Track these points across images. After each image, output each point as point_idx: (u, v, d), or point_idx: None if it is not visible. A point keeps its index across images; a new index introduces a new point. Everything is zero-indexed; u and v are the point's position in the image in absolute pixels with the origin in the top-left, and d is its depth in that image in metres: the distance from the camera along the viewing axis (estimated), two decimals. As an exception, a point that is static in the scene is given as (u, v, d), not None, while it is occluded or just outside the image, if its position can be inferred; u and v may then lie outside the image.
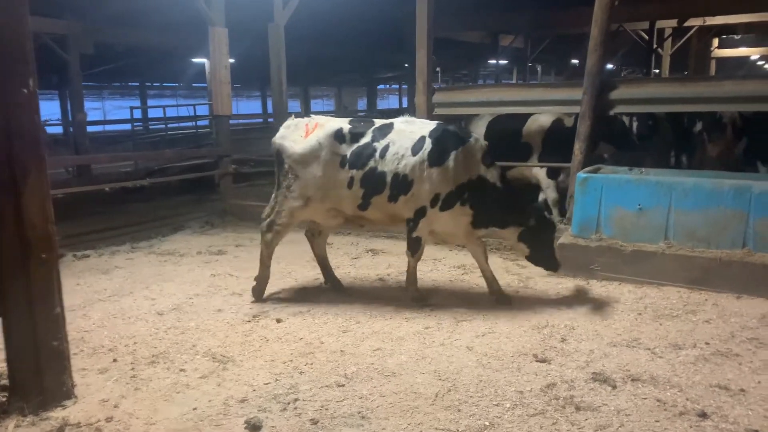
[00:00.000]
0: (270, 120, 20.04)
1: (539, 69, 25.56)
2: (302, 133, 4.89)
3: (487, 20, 13.09)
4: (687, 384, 3.46)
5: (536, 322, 4.47)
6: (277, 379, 3.66)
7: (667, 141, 8.48)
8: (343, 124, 4.92)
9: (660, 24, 15.21)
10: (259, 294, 5.09)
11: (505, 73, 22.99)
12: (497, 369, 3.73)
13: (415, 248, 4.88)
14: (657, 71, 16.93)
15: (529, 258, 4.96)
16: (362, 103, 30.19)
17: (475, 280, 5.49)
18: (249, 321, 4.63)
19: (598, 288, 5.23)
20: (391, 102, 32.58)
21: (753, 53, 29.16)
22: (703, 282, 4.99)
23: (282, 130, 5.03)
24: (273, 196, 5.09)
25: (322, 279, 5.56)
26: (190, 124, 20.88)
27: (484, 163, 4.74)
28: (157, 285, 5.57)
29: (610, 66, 22.28)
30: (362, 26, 12.01)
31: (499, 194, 4.76)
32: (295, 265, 6.12)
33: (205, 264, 6.29)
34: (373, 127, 4.86)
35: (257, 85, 27.25)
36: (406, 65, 16.15)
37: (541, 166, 7.38)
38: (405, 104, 28.21)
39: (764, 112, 6.52)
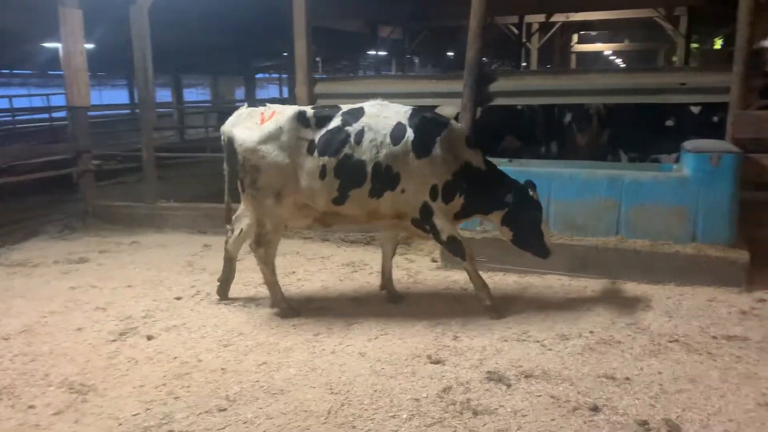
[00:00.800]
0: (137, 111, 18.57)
1: (416, 61, 25.93)
2: (257, 120, 4.35)
3: (367, 10, 12.91)
4: (577, 376, 3.47)
5: (428, 320, 4.33)
6: (147, 409, 3.21)
7: (541, 132, 8.79)
8: (305, 108, 4.46)
9: (528, 18, 15.87)
10: (286, 309, 4.48)
11: (384, 65, 23.06)
12: (392, 375, 3.53)
13: (459, 250, 4.38)
14: (525, 65, 17.71)
15: (515, 242, 4.52)
16: (240, 93, 29.05)
17: (366, 278, 5.28)
18: (114, 340, 4.08)
19: (485, 279, 5.19)
20: (271, 92, 31.62)
21: (606, 48, 31.60)
22: (582, 269, 5.13)
23: (233, 118, 4.47)
24: (225, 196, 4.57)
25: (198, 287, 5.08)
26: (45, 116, 18.84)
27: (468, 146, 4.37)
28: (2, 303, 4.80)
29: (483, 59, 23.06)
30: (238, 12, 11.35)
31: (485, 178, 4.39)
32: (167, 272, 5.56)
33: (63, 275, 5.54)
34: (341, 111, 4.38)
35: (124, 74, 25.25)
36: (285, 54, 15.63)
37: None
38: (286, 94, 27.49)
39: (625, 103, 6.88)
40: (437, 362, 3.67)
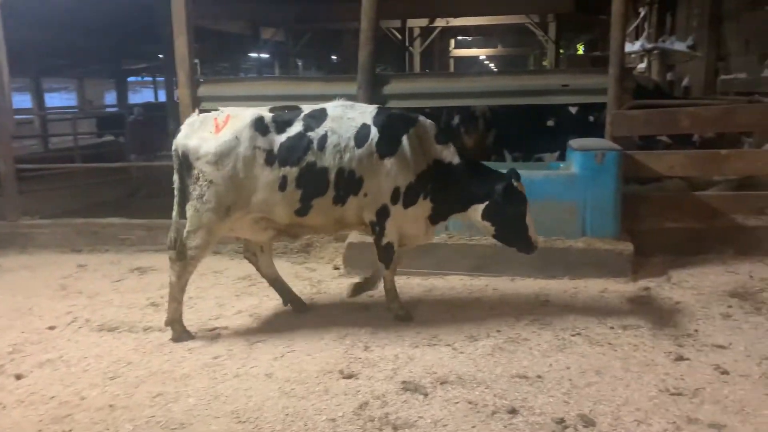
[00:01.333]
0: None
1: (300, 64, 25.58)
2: (211, 129, 3.96)
3: (249, 11, 12.44)
4: (491, 378, 3.44)
5: (337, 331, 4.14)
6: (20, 463, 2.75)
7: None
8: (263, 112, 4.06)
9: (411, 23, 16.13)
10: (179, 332, 4.08)
11: (267, 67, 22.49)
12: (303, 396, 3.30)
13: (388, 258, 4.20)
14: (409, 69, 18.01)
15: (497, 237, 4.25)
16: (111, 97, 27.07)
17: (265, 292, 4.98)
18: (-26, 384, 3.51)
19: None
20: (145, 96, 29.77)
21: (481, 53, 33.07)
22: (482, 268, 5.18)
23: (184, 129, 4.05)
24: (174, 213, 4.07)
25: (75, 313, 4.54)
26: None
27: (438, 143, 4.16)
28: None
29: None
30: (106, 8, 10.46)
31: (460, 173, 4.15)
32: (37, 298, 4.93)
33: None
34: (303, 114, 4.07)
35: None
36: (161, 56, 14.71)
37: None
38: (162, 98, 25.98)
39: (509, 105, 7.12)
40: (350, 376, 3.50)
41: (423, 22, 15.79)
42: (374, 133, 4.03)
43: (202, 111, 4.25)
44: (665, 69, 13.50)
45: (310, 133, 3.98)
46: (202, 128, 4.00)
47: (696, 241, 5.46)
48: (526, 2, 12.10)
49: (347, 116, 4.08)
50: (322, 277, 5.35)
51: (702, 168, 5.85)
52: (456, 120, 8.86)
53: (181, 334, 4.09)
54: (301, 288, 5.01)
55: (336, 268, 5.52)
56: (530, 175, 5.22)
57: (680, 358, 3.58)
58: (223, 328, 4.28)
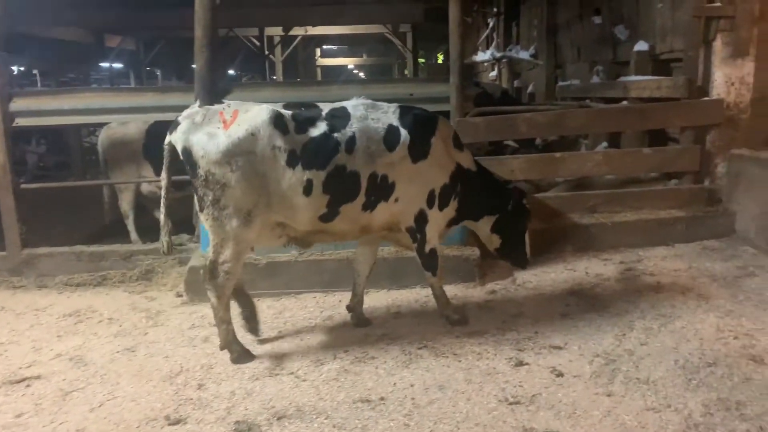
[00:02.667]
0: None
1: (159, 74, 24.14)
2: (218, 125, 3.45)
3: (84, 17, 11.38)
4: (332, 407, 3.22)
5: (169, 369, 3.72)
6: None
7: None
8: (278, 108, 3.61)
9: (270, 31, 15.72)
10: (240, 353, 3.75)
11: (122, 78, 20.95)
12: (118, 453, 2.88)
13: (433, 264, 4.04)
14: (274, 77, 17.58)
15: (500, 251, 4.27)
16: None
17: (93, 329, 4.42)
18: None
19: (237, 309, 4.72)
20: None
21: (347, 62, 33.31)
22: (335, 284, 4.98)
23: (184, 123, 3.50)
24: (162, 216, 3.61)
25: None
26: None
27: (456, 146, 3.99)
28: None
29: (231, 72, 22.41)
30: None
31: (477, 181, 4.06)
32: None
33: None
34: (324, 113, 3.67)
35: None
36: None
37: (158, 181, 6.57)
38: None
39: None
40: (177, 422, 3.12)
41: (281, 30, 15.45)
42: (404, 135, 3.77)
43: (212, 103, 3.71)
44: (513, 76, 14.26)
45: (336, 135, 3.62)
46: (207, 123, 3.50)
47: (539, 241, 5.63)
48: (379, 13, 12.17)
49: (371, 117, 3.78)
50: (162, 306, 4.86)
51: (540, 171, 6.08)
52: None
53: (240, 354, 3.75)
54: (135, 321, 4.51)
55: (179, 296, 5.05)
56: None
57: (520, 364, 3.58)
58: (35, 377, 3.69)
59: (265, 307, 4.73)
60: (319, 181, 3.58)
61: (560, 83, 10.60)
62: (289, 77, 20.12)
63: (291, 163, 3.53)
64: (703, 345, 3.67)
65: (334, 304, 4.73)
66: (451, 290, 4.88)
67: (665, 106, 6.12)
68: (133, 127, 6.72)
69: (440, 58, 26.36)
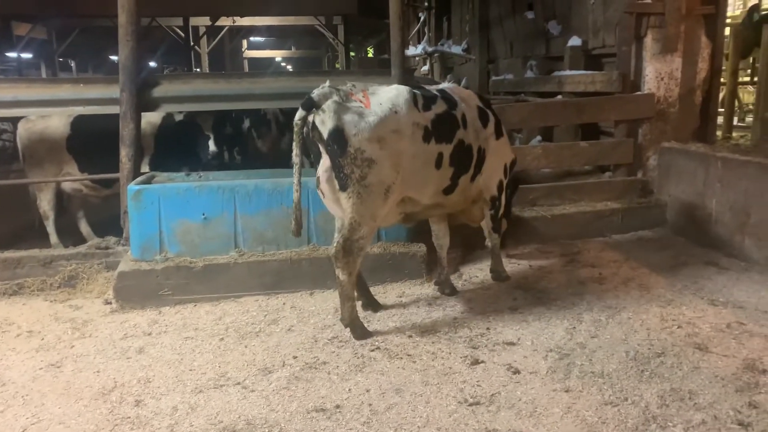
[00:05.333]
0: None
1: (73, 65, 22.73)
2: (358, 104, 3.60)
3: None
4: (285, 418, 3.03)
5: (101, 386, 3.41)
6: None
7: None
8: (404, 87, 3.87)
9: (195, 21, 15.07)
10: (359, 329, 3.92)
11: (31, 69, 19.55)
12: (47, 485, 2.58)
13: (499, 230, 4.79)
14: (198, 69, 16.90)
15: (502, 215, 4.79)
16: None
17: (12, 343, 4.00)
18: None
19: (172, 316, 4.44)
20: None
21: (275, 55, 32.62)
22: (278, 285, 4.76)
23: (331, 104, 3.54)
24: (296, 194, 3.74)
25: None
26: None
27: None
28: None
29: (153, 64, 21.39)
30: None
31: None
32: None
33: None
34: (438, 93, 4.04)
35: None
36: None
37: (82, 179, 6.11)
38: None
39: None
40: (113, 446, 2.84)
41: (207, 20, 14.83)
42: (491, 115, 4.37)
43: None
44: (445, 71, 14.35)
45: (454, 112, 4.02)
46: (348, 102, 3.62)
47: (481, 236, 5.62)
48: (310, 3, 11.89)
49: (462, 96, 4.24)
50: (89, 316, 4.48)
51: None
52: (246, 124, 8.34)
53: (362, 331, 3.91)
54: (59, 333, 4.14)
55: (107, 303, 4.68)
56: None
57: (476, 362, 3.52)
58: (-58, 402, 3.29)
59: (203, 313, 4.46)
60: (447, 153, 3.95)
61: (494, 78, 10.73)
62: (215, 69, 19.41)
63: (427, 138, 3.83)
64: (650, 335, 3.75)
65: (279, 307, 4.52)
66: (399, 287, 4.80)
67: (601, 100, 6.27)
68: (56, 120, 6.19)
69: (370, 52, 26.24)
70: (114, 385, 3.42)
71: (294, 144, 3.65)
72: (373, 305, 4.40)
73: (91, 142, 6.05)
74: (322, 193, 3.91)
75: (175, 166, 5.99)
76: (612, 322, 3.98)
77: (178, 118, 6.78)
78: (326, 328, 4.10)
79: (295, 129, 3.62)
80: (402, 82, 5.62)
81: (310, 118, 3.62)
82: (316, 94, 3.62)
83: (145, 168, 6.10)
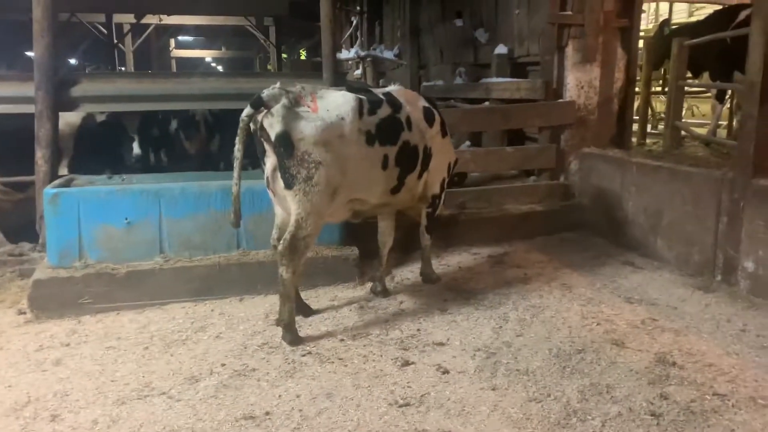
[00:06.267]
0: None
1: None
2: (305, 108, 3.71)
3: None
4: (212, 427, 2.96)
5: (13, 401, 3.20)
6: None
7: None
8: (352, 94, 3.96)
9: (119, 18, 14.46)
10: (293, 333, 3.92)
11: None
12: None
13: (434, 230, 4.84)
14: (123, 68, 16.24)
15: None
16: None
17: None
18: None
19: (93, 325, 4.23)
20: None
21: (204, 55, 31.83)
22: (207, 291, 4.64)
23: (280, 108, 3.65)
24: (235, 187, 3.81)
25: None
26: None
27: None
28: None
29: (73, 61, 20.37)
30: None
31: None
32: None
33: None
34: (382, 96, 4.15)
35: None
36: None
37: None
38: None
39: (230, 108, 6.65)
40: (26, 465, 2.68)
41: (132, 17, 14.27)
42: (436, 114, 4.49)
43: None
44: (378, 75, 14.44)
45: (398, 115, 4.14)
46: (296, 106, 3.70)
47: (412, 239, 5.68)
48: (240, 3, 11.68)
49: (409, 97, 4.37)
50: (0, 327, 4.20)
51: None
52: (174, 125, 8.10)
53: (295, 337, 3.90)
54: (-35, 348, 3.85)
55: (21, 313, 4.40)
56: (252, 185, 4.87)
57: (406, 363, 3.56)
58: None
59: (126, 322, 4.29)
60: (393, 155, 4.08)
61: (424, 83, 10.90)
62: (141, 69, 18.68)
63: (370, 141, 3.96)
64: (572, 333, 3.91)
65: (207, 314, 4.40)
66: (331, 291, 4.79)
67: (525, 106, 6.49)
68: (72, 115, 5.82)
69: (303, 54, 26.03)
70: (28, 399, 3.22)
71: (237, 139, 3.71)
72: (304, 310, 4.36)
73: (3, 143, 5.70)
74: (273, 193, 3.96)
75: (97, 168, 5.74)
76: (536, 321, 4.12)
77: (101, 118, 6.50)
78: (256, 335, 4.03)
79: (241, 125, 3.68)
80: (333, 85, 5.64)
81: (259, 117, 3.70)
82: (266, 94, 3.69)
83: (64, 171, 5.81)
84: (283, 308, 3.94)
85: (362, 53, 14.14)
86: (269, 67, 20.09)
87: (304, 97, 3.77)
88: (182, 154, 7.90)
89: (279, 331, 4.07)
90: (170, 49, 24.69)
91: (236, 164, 3.77)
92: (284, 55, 23.08)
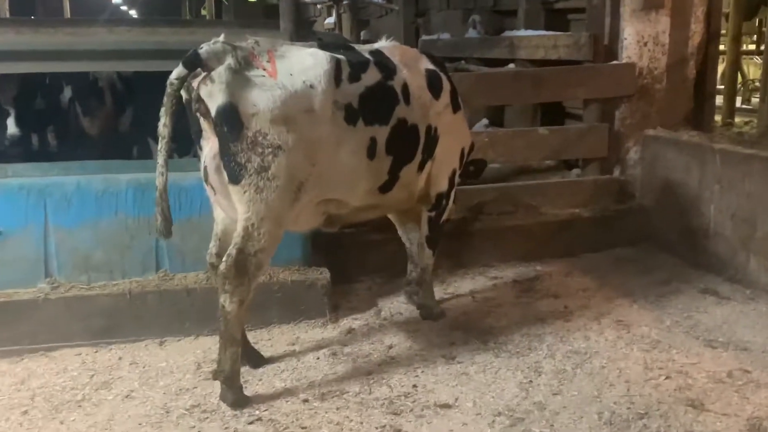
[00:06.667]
0: None
1: None
2: (260, 72, 3.66)
3: None
4: None
5: None
6: None
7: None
8: (326, 52, 3.88)
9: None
10: (237, 391, 3.90)
11: None
12: None
13: (437, 243, 4.89)
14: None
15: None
16: None
17: None
18: None
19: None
20: None
21: (115, -5, 31.81)
22: (112, 331, 4.65)
23: (224, 71, 3.58)
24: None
25: None
26: None
27: None
28: None
29: None
30: None
31: None
32: None
33: None
34: (372, 57, 4.13)
35: None
36: None
37: None
38: None
39: (151, 71, 6.63)
40: None
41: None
42: (445, 81, 4.50)
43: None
44: (358, 25, 14.49)
45: (390, 82, 4.11)
46: (247, 69, 3.63)
47: (404, 257, 5.69)
48: None
49: (407, 56, 4.40)
50: None
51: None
52: (68, 94, 8.08)
53: (239, 396, 3.89)
54: None
55: None
56: (180, 179, 4.86)
57: (398, 434, 3.57)
58: None
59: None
60: (382, 139, 4.08)
61: (423, 37, 10.96)
62: (19, 14, 18.63)
63: (351, 119, 3.93)
64: (630, 389, 3.94)
65: (113, 364, 4.41)
66: (291, 331, 4.83)
67: (565, 70, 6.56)
68: None
69: (253, -5, 26.11)
70: None
71: (163, 111, 3.64)
72: (252, 358, 4.36)
73: None
74: (212, 189, 3.93)
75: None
76: (580, 373, 4.15)
77: None
78: (183, 393, 4.04)
79: (169, 89, 3.62)
80: (296, 39, 5.65)
81: (194, 84, 3.66)
82: (205, 50, 3.64)
83: None
84: (224, 355, 3.87)
85: (337, -7, 14.22)
86: (203, 12, 20.10)
87: (258, 57, 3.72)
88: (79, 135, 7.86)
89: (217, 387, 4.07)
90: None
91: (162, 145, 3.72)
92: (226, -4, 23.13)
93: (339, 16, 14.96)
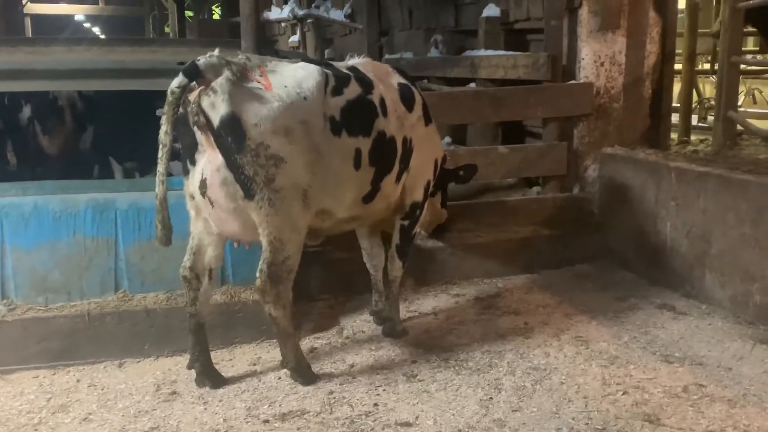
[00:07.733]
0: None
1: None
2: (255, 84, 3.83)
3: None
4: None
5: None
6: None
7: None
8: (314, 66, 4.09)
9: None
10: (307, 373, 4.35)
11: None
12: None
13: (408, 253, 4.96)
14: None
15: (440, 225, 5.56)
16: None
17: None
18: None
19: None
20: None
21: (76, 11, 31.59)
22: (70, 354, 4.63)
23: (225, 83, 3.73)
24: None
25: None
26: None
27: None
28: None
29: None
30: None
31: None
32: None
33: None
34: (351, 72, 4.30)
35: None
36: None
37: None
38: None
39: (112, 90, 6.59)
40: None
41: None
42: (416, 95, 4.66)
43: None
44: (322, 43, 14.54)
45: (369, 96, 4.24)
46: (244, 81, 3.80)
47: (366, 277, 5.70)
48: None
49: (382, 72, 4.53)
50: None
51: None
52: (27, 112, 8.00)
53: (311, 375, 4.33)
54: None
55: None
56: (139, 199, 4.92)
57: (358, 454, 3.57)
58: None
59: (-49, 399, 4.19)
60: (366, 150, 4.19)
61: (387, 56, 11.03)
62: (-20, 30, 18.39)
63: (337, 130, 4.08)
64: (588, 405, 3.98)
65: (71, 387, 4.38)
66: (253, 351, 4.81)
67: (525, 90, 6.65)
68: None
69: (217, 13, 26.08)
70: None
71: (165, 119, 3.76)
72: (212, 378, 4.34)
73: None
74: (210, 203, 3.99)
75: None
76: (540, 390, 4.18)
77: None
78: (142, 415, 4.01)
79: (170, 98, 3.72)
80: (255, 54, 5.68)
81: (191, 97, 3.79)
82: (202, 62, 3.79)
83: None
84: (285, 350, 4.28)
85: (300, 12, 14.24)
86: (167, 29, 20.01)
87: (251, 71, 3.86)
88: (38, 154, 7.78)
89: (176, 410, 4.07)
90: (23, 2, 24.39)
91: (162, 153, 3.82)
92: (189, 14, 23.07)
93: (303, 35, 15.02)
